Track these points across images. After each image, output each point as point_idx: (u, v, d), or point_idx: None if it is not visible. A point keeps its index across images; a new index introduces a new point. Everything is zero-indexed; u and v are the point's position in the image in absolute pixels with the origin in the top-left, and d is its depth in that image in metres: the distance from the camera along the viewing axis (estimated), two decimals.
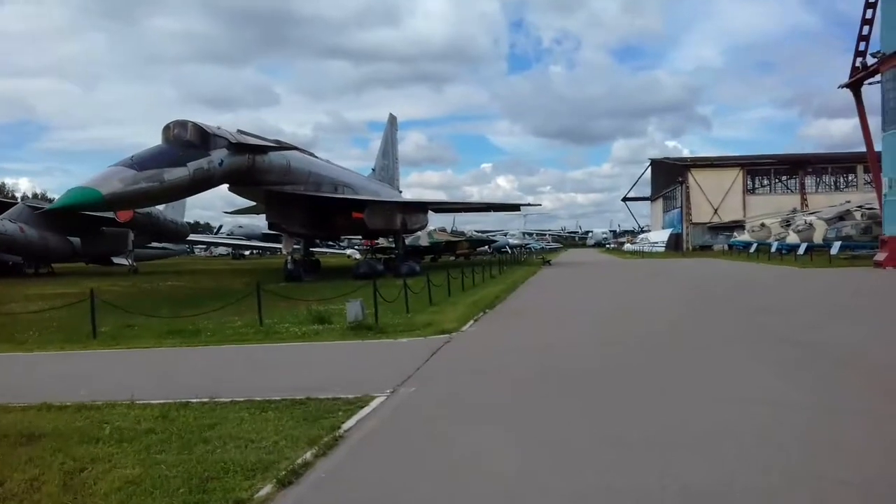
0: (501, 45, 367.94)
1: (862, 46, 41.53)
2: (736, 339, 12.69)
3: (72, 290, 26.49)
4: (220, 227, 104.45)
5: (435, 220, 59.08)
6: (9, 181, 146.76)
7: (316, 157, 39.41)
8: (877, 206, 45.11)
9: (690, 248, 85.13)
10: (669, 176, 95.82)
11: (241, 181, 31.00)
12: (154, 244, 56.59)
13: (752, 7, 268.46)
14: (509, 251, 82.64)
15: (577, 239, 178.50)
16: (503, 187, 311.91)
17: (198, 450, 6.11)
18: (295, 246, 37.59)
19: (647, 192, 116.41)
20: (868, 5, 40.56)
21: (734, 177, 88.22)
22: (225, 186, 32.00)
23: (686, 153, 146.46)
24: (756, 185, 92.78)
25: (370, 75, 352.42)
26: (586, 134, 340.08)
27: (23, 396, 8.39)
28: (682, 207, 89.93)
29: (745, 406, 7.46)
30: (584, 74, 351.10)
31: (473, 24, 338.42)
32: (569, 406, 7.74)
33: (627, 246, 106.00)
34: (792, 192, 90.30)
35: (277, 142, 32.91)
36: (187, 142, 25.98)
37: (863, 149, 46.50)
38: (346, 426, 6.86)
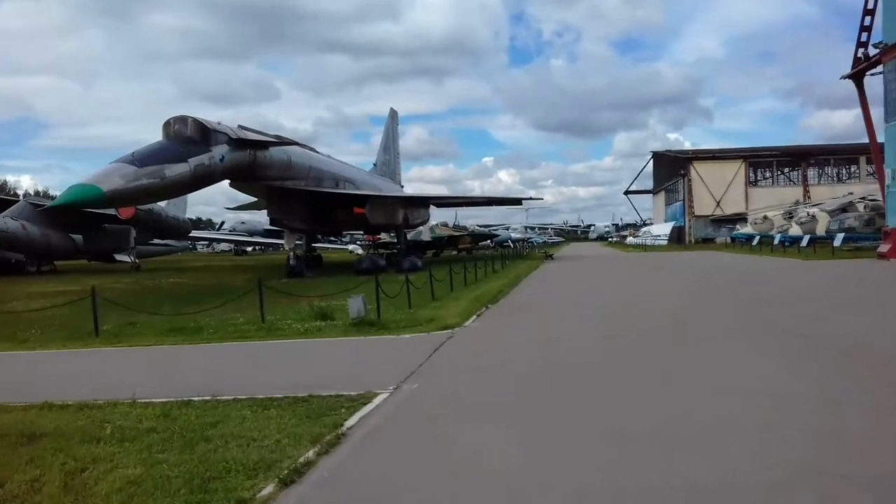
0: (502, 38, 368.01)
1: (864, 37, 41.31)
2: (739, 331, 12.67)
3: (74, 287, 26.50)
4: (223, 223, 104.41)
5: (437, 215, 59.23)
6: (10, 179, 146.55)
7: (317, 152, 39.34)
8: (880, 198, 44.95)
9: (693, 241, 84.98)
10: (671, 169, 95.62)
11: (242, 177, 30.95)
12: (156, 241, 56.57)
13: None
14: (511, 245, 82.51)
15: (579, 233, 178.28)
16: (505, 181, 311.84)
17: (199, 449, 6.08)
18: (297, 241, 37.56)
19: (649, 185, 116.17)
20: None
21: (736, 169, 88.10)
22: (226, 182, 31.97)
23: (688, 145, 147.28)
24: (758, 178, 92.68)
25: (371, 70, 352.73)
26: (588, 127, 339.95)
27: (24, 395, 8.38)
28: (684, 200, 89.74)
29: (749, 399, 7.42)
30: (586, 67, 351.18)
31: (474, 17, 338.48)
32: (572, 401, 7.70)
33: (630, 239, 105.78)
34: (794, 184, 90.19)
35: (278, 137, 32.82)
36: (188, 138, 25.93)
37: (865, 140, 46.30)
38: (348, 424, 6.83)
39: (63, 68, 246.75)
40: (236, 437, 6.38)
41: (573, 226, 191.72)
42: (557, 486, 5.12)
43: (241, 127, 29.98)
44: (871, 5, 40.41)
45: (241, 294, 18.05)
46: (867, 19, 40.79)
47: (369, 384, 8.49)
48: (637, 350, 10.95)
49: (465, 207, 74.42)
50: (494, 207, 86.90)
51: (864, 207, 52.24)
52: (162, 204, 45.02)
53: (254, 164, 29.67)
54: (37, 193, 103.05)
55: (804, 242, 50.73)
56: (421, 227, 52.11)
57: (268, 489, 5.10)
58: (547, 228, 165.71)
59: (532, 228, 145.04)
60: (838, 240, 47.83)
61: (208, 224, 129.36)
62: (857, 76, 42.81)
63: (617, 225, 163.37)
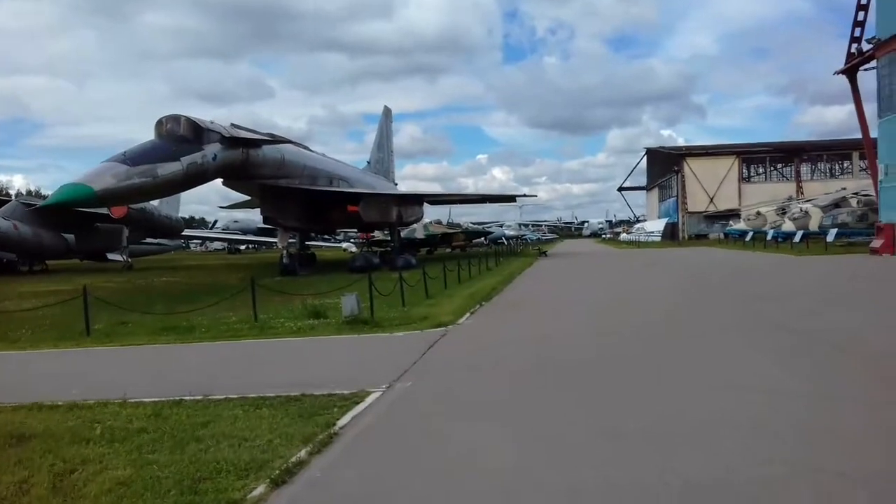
0: (496, 36, 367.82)
1: (857, 32, 41.48)
2: (732, 327, 12.66)
3: (66, 287, 26.37)
4: (216, 221, 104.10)
5: (431, 213, 59.02)
6: (3, 178, 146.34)
7: (310, 150, 39.23)
8: (872, 193, 45.17)
9: (686, 237, 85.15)
10: (665, 165, 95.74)
11: (235, 175, 30.83)
12: (149, 240, 56.30)
13: None
14: (505, 242, 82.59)
15: (573, 229, 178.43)
16: (499, 178, 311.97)
17: (190, 449, 6.03)
18: (290, 240, 37.48)
19: (643, 181, 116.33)
20: None
21: (729, 165, 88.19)
22: (219, 181, 31.85)
23: (681, 142, 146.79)
24: (751, 174, 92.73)
25: (365, 68, 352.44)
26: (581, 124, 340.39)
27: (14, 396, 8.30)
28: (677, 196, 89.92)
29: (742, 394, 7.41)
30: (579, 64, 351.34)
31: (467, 15, 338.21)
32: (565, 398, 7.68)
33: (623, 236, 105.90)
34: (787, 179, 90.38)
35: (271, 135, 32.69)
36: (180, 136, 25.80)
37: (858, 135, 46.46)
38: (341, 423, 6.79)
39: (56, 68, 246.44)
40: (228, 437, 6.33)
41: (567, 223, 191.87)
42: (551, 483, 5.08)
43: (233, 125, 29.84)
44: (864, 1, 40.49)
45: (234, 293, 17.96)
46: (860, 14, 40.93)
47: (362, 383, 8.44)
48: (631, 346, 10.95)
49: (458, 205, 74.84)
50: (488, 205, 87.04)
51: (857, 203, 52.46)
52: (154, 203, 44.80)
53: (247, 162, 29.55)
54: (29, 193, 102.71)
55: (797, 238, 50.91)
56: (415, 225, 52.02)
57: (259, 490, 5.05)
58: (541, 225, 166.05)
59: (526, 225, 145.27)
60: (831, 235, 48.03)
61: (201, 223, 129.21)
62: (850, 72, 42.93)
63: (611, 221, 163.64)
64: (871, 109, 41.43)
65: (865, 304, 16.29)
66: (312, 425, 6.65)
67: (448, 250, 60.78)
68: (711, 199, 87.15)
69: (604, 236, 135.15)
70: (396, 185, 59.04)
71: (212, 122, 27.76)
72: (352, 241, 78.40)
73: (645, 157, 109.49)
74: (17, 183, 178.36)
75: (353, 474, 5.49)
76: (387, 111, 59.94)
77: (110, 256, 49.08)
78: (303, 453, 5.81)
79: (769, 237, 55.07)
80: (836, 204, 53.98)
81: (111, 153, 24.33)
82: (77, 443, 6.33)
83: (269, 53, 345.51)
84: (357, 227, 49.27)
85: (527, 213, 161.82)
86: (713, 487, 4.88)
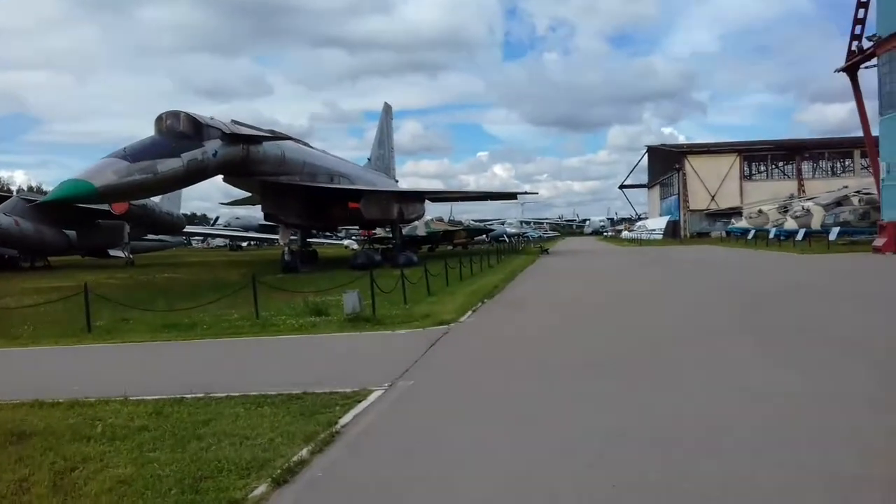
0: (496, 33, 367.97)
1: (858, 30, 41.31)
2: (738, 329, 12.56)
3: (67, 283, 26.33)
4: (217, 218, 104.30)
5: (432, 210, 58.91)
6: (4, 174, 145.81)
7: (311, 146, 39.16)
8: (874, 191, 45.02)
9: (688, 235, 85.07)
10: (666, 163, 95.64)
11: (235, 172, 30.78)
12: (150, 236, 56.34)
13: None
14: (507, 240, 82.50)
15: (574, 227, 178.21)
16: (500, 176, 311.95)
17: (191, 448, 5.99)
18: (292, 237, 37.41)
19: (645, 179, 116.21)
20: None
21: (731, 163, 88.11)
22: (220, 177, 31.79)
23: (682, 140, 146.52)
24: (753, 172, 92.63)
25: (365, 64, 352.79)
26: (582, 121, 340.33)
27: (14, 393, 8.26)
28: (679, 194, 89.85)
29: (751, 397, 7.36)
30: (580, 61, 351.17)
31: (468, 12, 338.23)
32: (569, 398, 7.63)
33: (625, 234, 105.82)
34: (789, 177, 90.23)
35: (272, 132, 32.63)
36: (180, 133, 25.74)
37: (860, 133, 46.34)
38: (343, 421, 6.74)
39: (57, 63, 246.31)
40: (229, 436, 6.29)
41: (568, 220, 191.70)
42: (555, 484, 5.04)
43: (234, 122, 29.79)
44: None
45: (236, 290, 17.93)
46: (861, 12, 40.76)
47: (364, 381, 8.40)
48: (635, 347, 10.84)
49: (460, 202, 74.41)
50: (489, 202, 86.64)
51: (859, 201, 52.29)
52: (156, 199, 44.80)
53: (247, 159, 29.47)
54: (30, 189, 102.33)
55: (799, 236, 50.81)
56: (416, 222, 52.04)
57: (260, 489, 5.01)
58: (542, 223, 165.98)
59: (527, 223, 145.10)
60: (833, 234, 47.89)
61: (203, 219, 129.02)
62: (851, 69, 42.79)
63: (612, 219, 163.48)
64: (872, 107, 41.32)
65: (871, 303, 16.19)
66: (314, 424, 6.61)
67: (450, 248, 60.73)
68: (713, 197, 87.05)
69: (605, 234, 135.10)
70: (397, 182, 58.98)
71: (212, 119, 27.70)
72: (353, 238, 78.38)
73: (646, 154, 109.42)
74: (19, 179, 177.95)
75: (354, 474, 5.45)
76: (387, 108, 59.83)
77: (112, 253, 49.15)
78: (304, 452, 5.77)
79: (771, 235, 54.96)
80: (839, 202, 53.81)
81: (112, 149, 24.30)
82: (78, 441, 6.29)
83: (269, 49, 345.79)
84: (358, 224, 49.19)
85: (528, 210, 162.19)
86: (721, 488, 4.83)
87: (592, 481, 5.06)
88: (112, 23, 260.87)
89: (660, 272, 29.29)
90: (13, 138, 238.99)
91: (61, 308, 16.31)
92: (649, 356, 9.95)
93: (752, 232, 59.54)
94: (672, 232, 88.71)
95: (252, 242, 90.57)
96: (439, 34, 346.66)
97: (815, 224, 52.55)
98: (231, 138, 27.93)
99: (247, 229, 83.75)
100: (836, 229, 48.75)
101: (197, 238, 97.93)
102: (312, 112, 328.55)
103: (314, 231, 54.00)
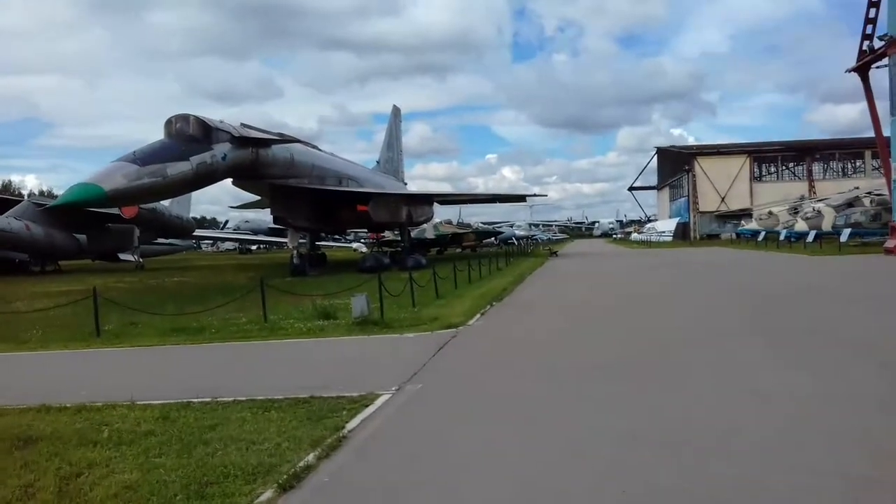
0: (505, 34, 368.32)
1: (869, 29, 41.05)
2: (748, 331, 12.45)
3: (77, 287, 26.45)
4: (227, 221, 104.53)
5: (440, 213, 58.95)
6: (15, 178, 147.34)
7: (320, 149, 39.21)
8: (886, 193, 44.68)
9: (698, 237, 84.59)
10: (675, 164, 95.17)
11: (244, 175, 30.85)
12: (160, 240, 56.54)
13: None
14: (516, 243, 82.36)
15: (583, 229, 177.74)
16: (509, 178, 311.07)
17: (198, 453, 5.96)
18: (300, 240, 37.43)
19: (654, 180, 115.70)
20: None
21: (741, 164, 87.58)
22: (230, 181, 31.86)
23: (692, 141, 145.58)
24: (763, 173, 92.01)
25: (374, 67, 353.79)
26: (591, 123, 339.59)
27: (22, 397, 8.26)
28: (688, 196, 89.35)
29: (762, 399, 7.27)
30: (589, 62, 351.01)
31: (476, 13, 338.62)
32: (579, 403, 7.56)
33: (634, 236, 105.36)
34: (799, 179, 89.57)
35: (280, 135, 32.68)
36: (190, 136, 25.82)
37: (870, 134, 46.02)
38: (350, 426, 6.70)
39: (67, 67, 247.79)
40: (235, 441, 6.26)
41: (577, 222, 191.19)
42: (566, 489, 4.97)
43: (243, 125, 29.85)
44: None
45: (244, 293, 17.94)
46: (872, 12, 40.50)
47: (372, 385, 8.36)
48: (645, 350, 10.75)
49: (468, 205, 74.52)
50: (498, 204, 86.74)
51: (871, 202, 51.93)
52: (165, 203, 44.99)
53: (256, 162, 29.54)
54: (41, 193, 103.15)
55: (810, 238, 50.48)
56: (425, 225, 51.96)
57: (266, 494, 4.98)
58: (551, 225, 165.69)
59: (536, 225, 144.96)
60: (845, 235, 47.54)
61: (212, 223, 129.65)
62: (862, 69, 42.53)
63: (621, 221, 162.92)
64: (883, 107, 40.99)
65: (885, 306, 16.01)
66: (321, 428, 6.57)
67: (458, 250, 60.63)
68: (723, 199, 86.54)
69: (614, 236, 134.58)
70: (406, 184, 59.00)
71: (221, 122, 27.78)
72: (362, 241, 78.42)
73: (655, 156, 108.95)
74: (30, 183, 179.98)
75: (361, 479, 5.40)
76: (396, 110, 59.90)
77: (122, 257, 49.32)
78: (311, 457, 5.73)
79: (782, 237, 54.60)
80: (850, 203, 53.45)
81: (122, 153, 24.40)
82: (84, 446, 6.28)
83: (279, 52, 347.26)
84: (367, 227, 49.23)
85: (537, 212, 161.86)
86: (737, 489, 4.75)
87: (603, 485, 5.00)
88: (121, 27, 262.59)
89: (669, 274, 29.12)
90: (24, 143, 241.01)
91: (70, 312, 16.38)
92: (659, 358, 9.87)
93: (763, 234, 59.19)
94: (682, 234, 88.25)
95: (261, 246, 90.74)
96: (448, 36, 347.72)
97: (826, 226, 52.21)
98: (240, 141, 28.01)
99: (256, 233, 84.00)
100: (847, 231, 48.40)
101: (207, 241, 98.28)
102: (321, 115, 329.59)
103: (323, 234, 54.07)
